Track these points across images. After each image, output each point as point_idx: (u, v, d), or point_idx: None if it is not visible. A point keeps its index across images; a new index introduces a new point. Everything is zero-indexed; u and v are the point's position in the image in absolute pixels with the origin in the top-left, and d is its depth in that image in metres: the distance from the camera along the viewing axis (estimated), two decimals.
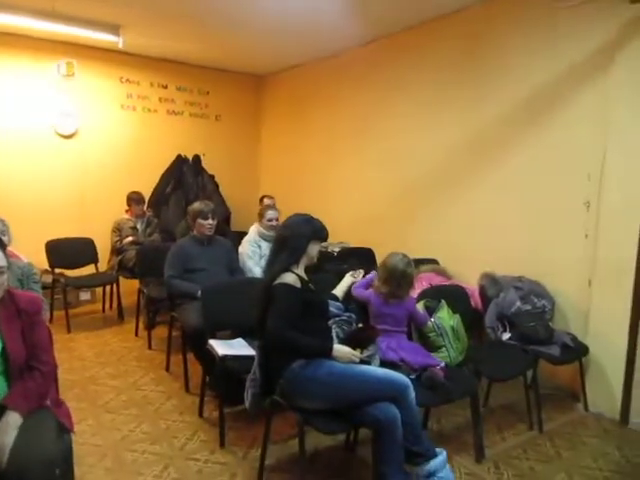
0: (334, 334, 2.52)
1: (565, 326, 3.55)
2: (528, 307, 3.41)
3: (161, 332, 4.65)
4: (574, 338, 3.36)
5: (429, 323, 2.96)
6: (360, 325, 2.66)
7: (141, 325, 4.84)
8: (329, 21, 4.56)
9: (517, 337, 3.32)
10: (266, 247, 4.02)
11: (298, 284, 2.37)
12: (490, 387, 3.40)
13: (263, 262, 3.88)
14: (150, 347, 4.50)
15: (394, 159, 5.05)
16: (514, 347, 3.25)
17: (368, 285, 2.98)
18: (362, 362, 2.39)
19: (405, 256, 2.86)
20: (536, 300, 3.45)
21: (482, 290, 3.57)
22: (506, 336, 3.37)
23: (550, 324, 3.41)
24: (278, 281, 2.34)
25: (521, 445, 2.98)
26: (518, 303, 3.41)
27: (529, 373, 3.16)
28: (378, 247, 4.71)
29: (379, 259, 4.73)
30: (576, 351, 3.29)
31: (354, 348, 2.41)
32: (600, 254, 3.35)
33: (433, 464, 2.29)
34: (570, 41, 3.54)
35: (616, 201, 3.26)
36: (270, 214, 4.18)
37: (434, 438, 2.81)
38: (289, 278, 2.35)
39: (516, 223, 3.91)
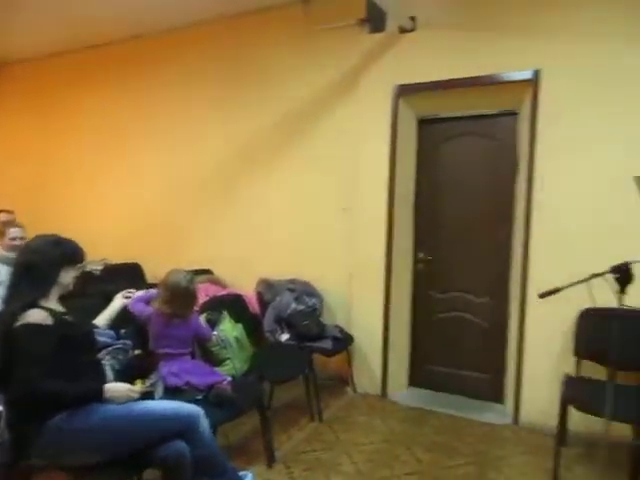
0: (108, 367, 2.22)
1: (333, 320, 3.90)
2: (302, 307, 3.64)
3: None
4: (342, 330, 3.73)
5: (212, 337, 2.87)
6: (138, 352, 2.40)
7: None
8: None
9: (294, 336, 3.51)
10: (7, 272, 3.32)
11: (49, 320, 1.94)
12: (273, 389, 3.50)
13: (2, 290, 3.19)
14: None
15: (157, 171, 4.83)
16: (292, 347, 3.42)
17: (149, 301, 2.70)
18: (144, 395, 2.15)
19: (187, 273, 2.70)
20: (308, 299, 3.71)
21: (259, 296, 3.66)
22: (285, 337, 3.52)
23: (321, 320, 3.71)
24: (20, 322, 1.89)
25: (306, 438, 3.15)
26: (293, 304, 3.60)
27: (306, 368, 3.36)
28: (147, 261, 4.40)
29: (148, 274, 4.43)
30: (344, 341, 3.65)
31: (133, 379, 2.15)
32: (357, 253, 3.80)
33: None
34: (327, 60, 3.90)
35: (368, 207, 3.73)
36: (13, 232, 3.47)
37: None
38: (35, 316, 1.91)
39: (286, 229, 4.14)
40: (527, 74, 3.17)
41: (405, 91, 3.56)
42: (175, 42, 4.61)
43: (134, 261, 4.54)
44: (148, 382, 2.24)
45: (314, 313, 3.68)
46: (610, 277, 2.06)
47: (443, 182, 3.72)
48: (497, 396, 3.60)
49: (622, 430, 2.41)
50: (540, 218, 3.19)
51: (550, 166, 3.14)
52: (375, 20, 3.25)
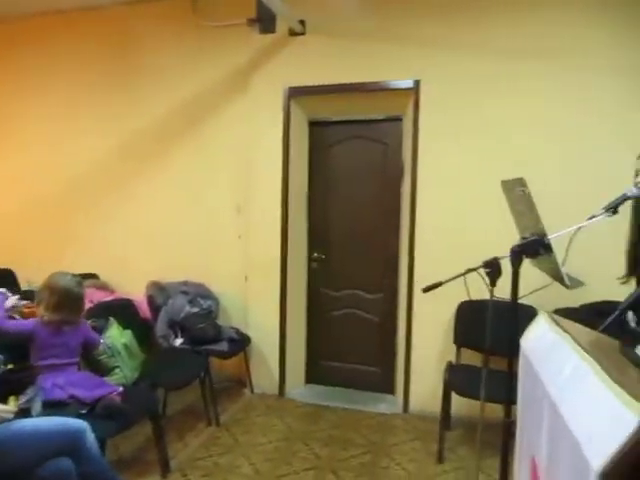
0: None
1: (230, 321, 3.85)
2: (196, 309, 3.55)
3: None
4: (238, 331, 3.69)
5: (100, 344, 2.69)
6: (10, 366, 2.19)
7: None
8: None
9: (189, 340, 3.40)
10: None
11: None
12: (167, 396, 3.37)
13: None
14: None
15: (32, 170, 4.43)
16: (187, 351, 3.32)
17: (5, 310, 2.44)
18: (20, 413, 1.96)
19: (74, 275, 2.51)
20: (202, 301, 3.62)
21: (150, 300, 3.50)
22: (178, 341, 3.41)
23: (217, 322, 3.64)
24: None
25: (203, 444, 3.08)
26: (187, 307, 3.50)
27: (202, 373, 3.28)
28: (21, 267, 4.00)
29: (22, 280, 4.04)
30: (241, 342, 3.62)
31: (6, 397, 1.96)
32: (252, 253, 3.78)
33: None
34: (217, 58, 3.83)
35: (261, 206, 3.72)
36: None
37: (115, 468, 2.58)
38: None
39: (177, 230, 4.00)
40: (409, 83, 3.38)
41: (296, 93, 3.62)
42: (44, 27, 4.25)
43: (5, 267, 4.11)
44: (23, 398, 2.06)
45: (209, 315, 3.60)
46: (482, 271, 2.28)
47: (335, 183, 3.84)
48: (389, 387, 3.80)
49: (496, 410, 2.67)
50: (422, 218, 3.42)
51: (431, 168, 3.38)
52: (265, 21, 3.26)
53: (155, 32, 3.98)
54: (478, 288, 2.23)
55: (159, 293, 3.52)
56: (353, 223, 3.81)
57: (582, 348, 1.01)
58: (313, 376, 3.99)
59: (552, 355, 1.11)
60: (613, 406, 0.75)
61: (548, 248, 1.82)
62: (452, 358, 3.27)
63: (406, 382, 3.55)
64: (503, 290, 2.28)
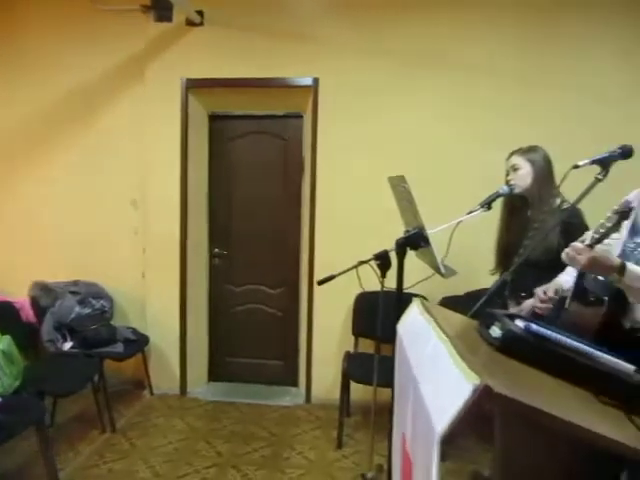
0: None
1: (126, 321, 3.69)
2: (88, 310, 3.36)
3: None
4: (135, 331, 3.54)
5: None
6: None
7: None
8: None
9: (80, 343, 3.21)
10: None
11: None
12: (56, 403, 3.16)
13: None
14: None
15: None
16: (77, 355, 3.13)
17: None
18: None
19: None
20: (95, 302, 3.43)
21: (34, 301, 3.25)
22: (68, 345, 3.21)
23: (112, 323, 3.47)
24: None
25: (97, 451, 2.93)
26: (77, 308, 3.30)
27: (96, 377, 3.12)
28: None
29: None
30: (138, 343, 3.48)
31: None
32: (150, 249, 3.64)
33: None
34: (112, 44, 3.62)
35: (158, 201, 3.60)
36: None
37: None
38: None
39: (68, 226, 3.74)
40: (308, 80, 3.44)
41: (195, 85, 3.54)
42: None
43: None
44: None
45: (102, 316, 3.43)
46: (374, 263, 2.39)
47: (237, 178, 3.81)
48: (292, 380, 3.85)
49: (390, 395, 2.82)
50: (322, 213, 3.50)
51: (330, 164, 3.47)
52: (160, 9, 3.15)
53: (46, 14, 3.68)
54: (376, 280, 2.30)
55: (44, 294, 3.28)
56: (255, 218, 3.81)
57: (442, 330, 1.10)
58: (217, 373, 3.95)
59: (418, 338, 1.20)
60: (457, 380, 0.83)
61: (427, 241, 1.95)
62: (351, 348, 3.40)
63: (308, 373, 3.63)
64: (393, 280, 2.41)
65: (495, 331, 1.13)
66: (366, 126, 3.42)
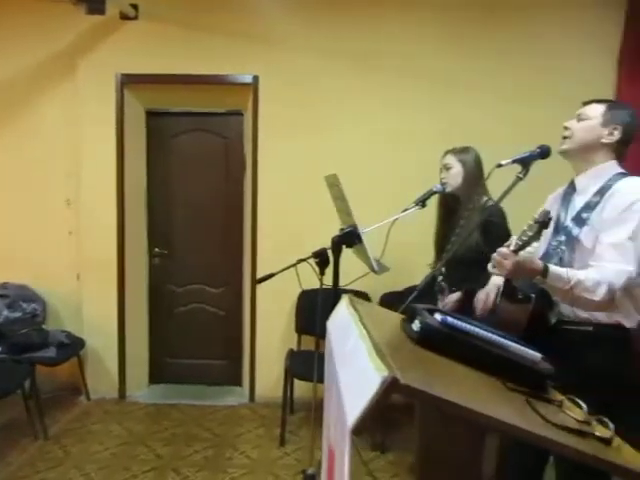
0: None
1: (60, 325, 3.55)
2: (18, 314, 3.20)
3: None
4: (69, 335, 3.41)
5: None
6: None
7: None
8: None
9: (9, 349, 3.06)
10: None
11: None
12: None
13: None
14: None
15: None
16: (4, 361, 2.98)
17: None
18: None
19: None
20: (25, 305, 3.28)
21: None
22: None
23: (44, 327, 3.33)
24: None
25: (29, 461, 2.81)
26: (5, 312, 3.14)
27: (27, 383, 2.98)
28: None
29: None
30: (73, 347, 3.36)
31: None
32: (85, 250, 3.52)
33: None
34: (42, 35, 3.45)
35: (94, 200, 3.48)
36: None
37: None
38: None
39: None
40: (248, 78, 3.42)
41: (130, 80, 3.44)
42: None
43: None
44: None
45: (34, 320, 3.28)
46: (313, 261, 2.41)
47: (176, 176, 3.73)
48: (236, 379, 3.83)
49: None
50: (264, 211, 3.50)
51: (271, 163, 3.47)
52: (92, 1, 3.03)
53: None
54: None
55: None
56: (196, 217, 3.75)
57: (363, 326, 1.13)
58: (159, 375, 3.86)
59: (342, 334, 1.23)
60: (370, 374, 0.86)
61: (360, 238, 1.99)
62: (294, 345, 3.41)
63: (251, 372, 3.62)
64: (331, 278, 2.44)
65: (416, 325, 1.17)
66: (306, 125, 3.44)
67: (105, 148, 3.44)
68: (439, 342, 1.11)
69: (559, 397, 1.09)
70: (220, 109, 3.67)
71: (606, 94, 3.07)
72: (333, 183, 2.10)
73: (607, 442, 0.91)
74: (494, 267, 1.69)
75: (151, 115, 3.68)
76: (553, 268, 1.63)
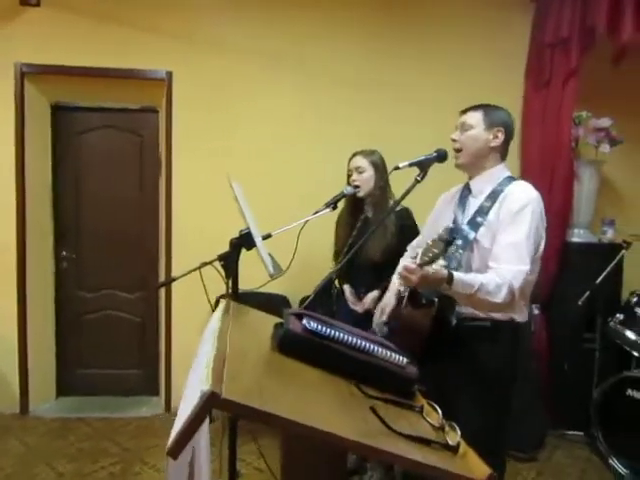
0: None
1: None
2: None
3: None
4: None
5: None
6: None
7: None
8: None
9: None
10: None
11: None
12: None
13: None
14: None
15: None
16: None
17: None
18: None
19: None
20: None
21: None
22: None
23: None
24: None
25: None
26: None
27: None
28: None
29: None
30: None
31: None
32: None
33: None
34: None
35: None
36: None
37: None
38: None
39: None
40: (161, 73, 3.28)
41: (31, 71, 3.21)
42: None
43: None
44: None
45: None
46: (218, 264, 2.32)
47: (87, 175, 3.53)
48: (152, 389, 3.65)
49: None
50: (179, 213, 3.36)
51: (185, 163, 3.34)
52: None
53: None
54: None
55: None
56: (109, 219, 3.55)
57: (220, 335, 1.06)
58: (68, 388, 3.62)
59: (205, 343, 1.15)
60: (198, 388, 0.79)
61: (254, 241, 1.93)
62: None
63: (168, 381, 3.46)
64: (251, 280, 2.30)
65: (279, 331, 1.11)
66: (221, 124, 3.34)
67: (2, 145, 3.19)
68: (298, 348, 1.05)
69: (421, 402, 1.06)
70: (133, 105, 3.50)
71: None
72: (230, 184, 2.02)
73: (453, 449, 0.88)
74: (400, 279, 1.73)
75: (58, 110, 3.45)
76: (457, 275, 1.65)
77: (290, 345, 1.05)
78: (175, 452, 0.72)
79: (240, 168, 3.22)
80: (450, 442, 0.89)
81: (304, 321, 1.10)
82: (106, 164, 3.53)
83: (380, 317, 2.00)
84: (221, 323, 1.14)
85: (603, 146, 3.20)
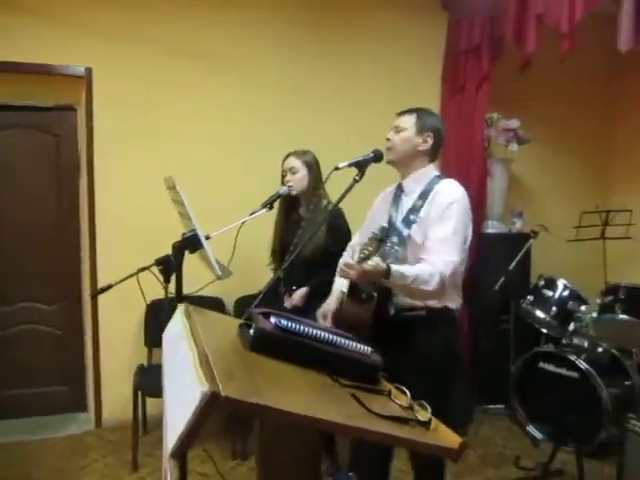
0: None
1: None
2: None
3: None
4: None
5: None
6: None
7: None
8: None
9: None
10: None
11: None
12: None
13: None
14: None
15: None
16: None
17: None
18: None
19: None
20: None
21: None
22: None
23: None
24: None
25: None
26: None
27: None
28: None
29: None
30: None
31: None
32: None
33: None
34: None
35: None
36: None
37: None
38: None
39: None
40: (79, 70, 3.11)
41: None
42: None
43: None
44: None
45: None
46: (156, 269, 2.25)
47: None
48: (80, 405, 3.46)
49: None
50: (103, 217, 3.22)
51: (108, 163, 3.20)
52: None
53: None
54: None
55: None
56: (22, 224, 3.30)
57: (193, 337, 1.06)
58: None
59: (173, 346, 1.15)
60: (192, 391, 0.80)
61: (201, 243, 1.91)
62: (145, 360, 3.18)
63: (97, 395, 3.30)
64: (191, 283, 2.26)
65: (250, 331, 1.14)
66: (146, 124, 3.24)
67: None
68: (272, 346, 1.09)
69: (388, 387, 1.14)
70: (48, 103, 3.27)
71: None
72: (170, 186, 1.99)
73: (426, 425, 0.97)
74: (341, 276, 1.84)
75: None
76: (394, 268, 1.76)
77: (264, 343, 1.08)
78: (179, 455, 0.73)
79: (169, 169, 3.10)
80: (422, 419, 0.98)
81: (273, 319, 1.14)
82: (18, 166, 3.27)
83: (324, 322, 2.07)
84: (188, 325, 1.14)
85: (512, 145, 3.51)
